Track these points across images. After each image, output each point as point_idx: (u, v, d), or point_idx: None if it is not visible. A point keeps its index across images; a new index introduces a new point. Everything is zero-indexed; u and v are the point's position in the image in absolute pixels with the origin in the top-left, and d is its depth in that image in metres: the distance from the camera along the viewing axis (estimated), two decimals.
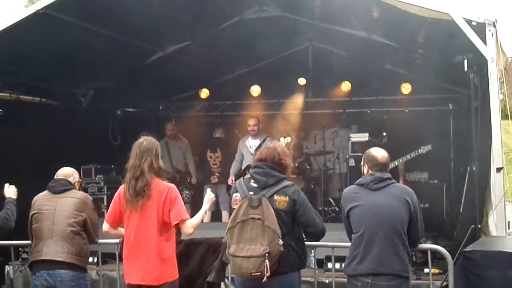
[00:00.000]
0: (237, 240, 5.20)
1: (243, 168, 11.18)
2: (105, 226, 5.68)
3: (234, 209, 5.35)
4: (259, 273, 5.07)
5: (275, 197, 5.25)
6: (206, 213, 5.72)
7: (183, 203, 5.50)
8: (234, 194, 5.44)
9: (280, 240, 5.11)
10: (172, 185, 5.53)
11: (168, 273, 5.44)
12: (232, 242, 5.24)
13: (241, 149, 11.46)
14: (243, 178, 5.56)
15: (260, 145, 10.84)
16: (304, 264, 5.51)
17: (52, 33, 8.35)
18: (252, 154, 10.87)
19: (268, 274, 5.05)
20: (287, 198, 5.26)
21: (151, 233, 5.38)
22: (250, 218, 5.19)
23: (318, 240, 5.73)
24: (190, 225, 5.42)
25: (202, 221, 5.59)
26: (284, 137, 10.58)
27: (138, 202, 5.36)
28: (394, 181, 5.45)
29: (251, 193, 5.29)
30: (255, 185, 5.34)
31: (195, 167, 12.32)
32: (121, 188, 5.57)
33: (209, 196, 5.78)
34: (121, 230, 5.64)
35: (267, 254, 5.06)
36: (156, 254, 5.38)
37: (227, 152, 12.06)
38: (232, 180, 11.12)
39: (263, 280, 5.08)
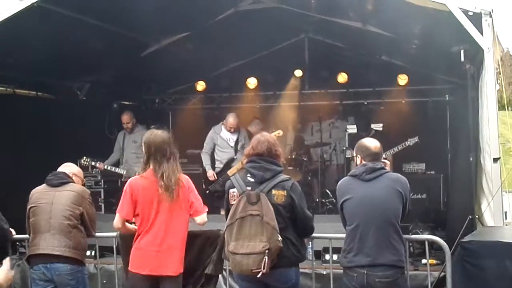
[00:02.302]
0: (236, 237, 5.17)
1: (223, 161, 10.72)
2: (120, 222, 5.54)
3: (232, 205, 5.30)
4: (260, 270, 5.06)
5: (273, 191, 5.22)
6: None
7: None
8: (231, 190, 5.39)
9: (279, 236, 5.09)
10: (186, 176, 5.64)
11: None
12: (231, 239, 5.21)
13: (215, 141, 10.85)
14: (238, 173, 5.51)
15: (238, 138, 10.74)
16: (303, 257, 5.50)
17: (48, 26, 8.32)
18: (232, 147, 10.71)
19: (265, 270, 5.04)
20: (285, 192, 5.24)
21: (181, 224, 5.51)
22: (249, 214, 5.16)
23: (306, 237, 5.74)
24: (202, 220, 5.59)
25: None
26: (275, 130, 10.50)
27: (171, 193, 5.39)
28: (386, 170, 5.44)
29: (249, 188, 5.26)
30: (252, 179, 5.30)
31: None
32: (133, 182, 5.53)
33: None
34: (132, 226, 5.66)
35: (267, 251, 5.03)
36: (181, 245, 5.53)
37: None
38: (214, 176, 10.61)
39: (258, 276, 5.07)
